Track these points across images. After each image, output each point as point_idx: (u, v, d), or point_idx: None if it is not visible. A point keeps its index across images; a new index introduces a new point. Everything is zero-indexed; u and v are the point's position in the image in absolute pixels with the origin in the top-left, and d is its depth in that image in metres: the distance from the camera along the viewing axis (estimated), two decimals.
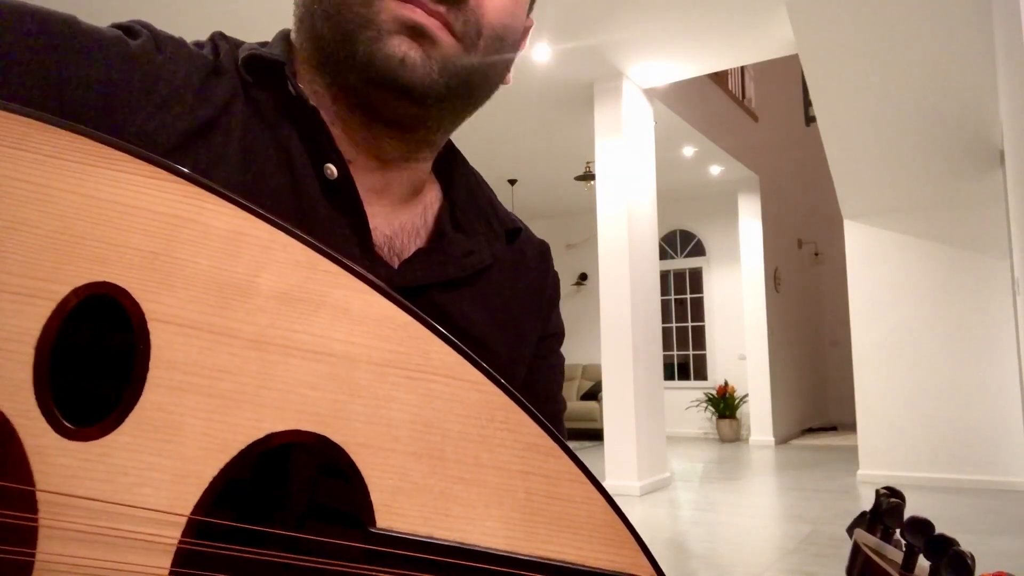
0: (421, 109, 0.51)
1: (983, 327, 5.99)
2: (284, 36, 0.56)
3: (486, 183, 0.65)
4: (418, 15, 0.48)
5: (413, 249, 0.56)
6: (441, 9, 0.49)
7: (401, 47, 0.48)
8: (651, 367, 5.95)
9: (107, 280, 0.35)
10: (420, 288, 0.54)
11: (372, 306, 0.38)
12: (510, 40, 0.54)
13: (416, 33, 0.48)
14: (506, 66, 0.56)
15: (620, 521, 0.40)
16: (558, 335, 0.69)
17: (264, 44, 0.55)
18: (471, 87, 0.53)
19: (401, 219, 0.57)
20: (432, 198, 0.61)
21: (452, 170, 0.62)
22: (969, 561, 0.37)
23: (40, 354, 0.34)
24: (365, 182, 0.54)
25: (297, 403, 0.37)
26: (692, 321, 10.34)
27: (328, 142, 0.51)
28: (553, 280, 0.69)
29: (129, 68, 0.46)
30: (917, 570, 0.42)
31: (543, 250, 0.69)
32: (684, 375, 10.35)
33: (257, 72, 0.51)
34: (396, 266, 0.55)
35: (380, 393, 0.38)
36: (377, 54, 0.48)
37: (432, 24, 0.49)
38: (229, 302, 0.36)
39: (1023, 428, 5.69)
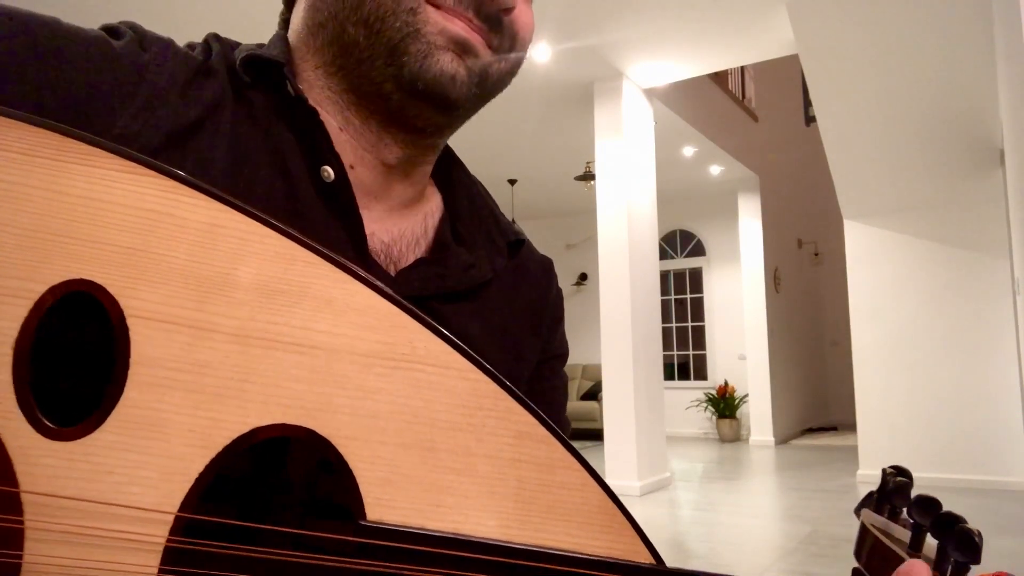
0: (450, 118, 0.53)
1: (983, 327, 5.99)
2: (282, 38, 0.55)
3: (487, 192, 0.64)
4: (464, 30, 0.50)
5: (411, 258, 0.56)
6: (484, 26, 0.51)
7: (452, 64, 0.49)
8: (651, 367, 5.95)
9: (84, 277, 0.35)
10: (417, 299, 0.53)
11: (355, 296, 0.38)
12: (528, 47, 0.57)
13: (462, 49, 0.50)
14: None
15: (616, 508, 0.40)
16: (560, 356, 0.67)
17: (261, 46, 0.54)
18: (494, 92, 0.55)
19: (400, 226, 0.56)
20: (433, 207, 0.60)
21: (452, 178, 0.62)
22: (976, 539, 0.37)
23: (19, 354, 0.34)
24: (364, 187, 0.54)
25: (282, 397, 0.36)
26: (692, 321, 10.35)
27: (326, 144, 0.50)
28: (555, 299, 0.67)
29: (111, 69, 0.45)
30: (925, 549, 0.41)
31: (546, 267, 0.68)
32: (684, 375, 10.36)
33: (255, 73, 0.51)
34: (392, 274, 0.54)
35: (366, 384, 0.37)
36: (429, 70, 0.49)
37: (476, 40, 0.50)
38: (208, 296, 0.36)
39: (1023, 428, 5.68)
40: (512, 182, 8.58)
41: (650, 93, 6.31)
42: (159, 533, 0.35)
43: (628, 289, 5.70)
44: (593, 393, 9.32)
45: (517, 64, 0.55)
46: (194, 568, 0.35)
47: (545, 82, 5.83)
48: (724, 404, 9.51)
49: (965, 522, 0.38)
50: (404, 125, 0.53)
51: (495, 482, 0.38)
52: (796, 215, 10.34)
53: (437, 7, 0.49)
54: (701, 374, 10.22)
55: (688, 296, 10.39)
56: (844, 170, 5.88)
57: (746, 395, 9.28)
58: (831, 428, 10.53)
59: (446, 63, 0.49)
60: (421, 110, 0.51)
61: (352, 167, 0.53)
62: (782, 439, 9.11)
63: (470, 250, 0.58)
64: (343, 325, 0.37)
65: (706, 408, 9.76)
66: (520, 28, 0.53)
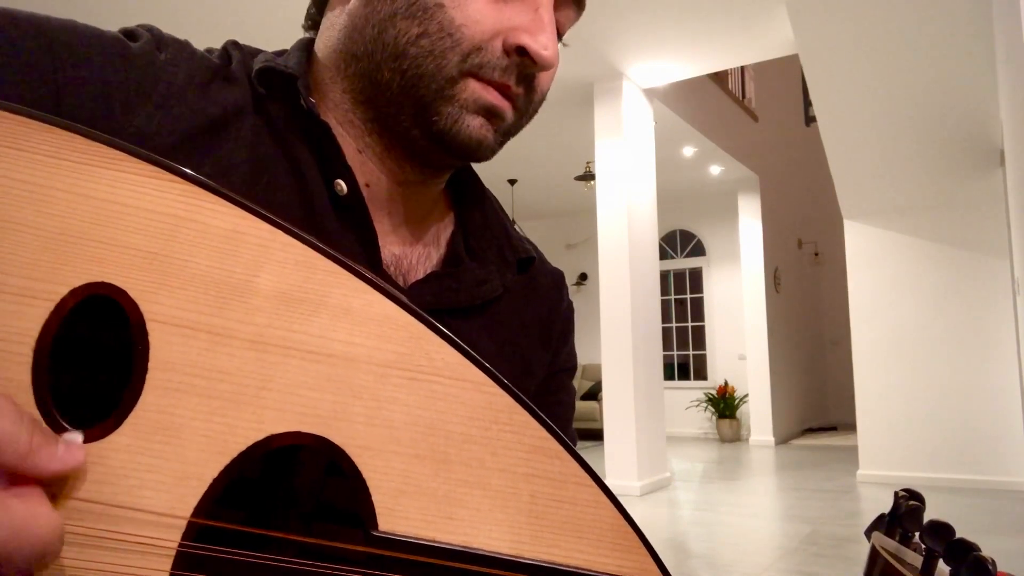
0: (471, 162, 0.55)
1: (983, 327, 6.00)
2: (304, 47, 0.55)
3: (502, 208, 0.65)
4: (497, 99, 0.50)
5: (421, 270, 0.56)
6: (520, 91, 0.51)
7: (481, 130, 0.50)
8: (651, 367, 5.95)
9: (105, 280, 0.35)
10: (429, 312, 0.54)
11: (373, 306, 0.38)
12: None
13: (491, 114, 0.50)
14: None
15: (628, 525, 0.40)
16: (569, 369, 0.68)
17: (281, 53, 0.55)
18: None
19: (411, 239, 0.57)
20: (445, 221, 0.60)
21: (467, 192, 0.62)
22: (990, 567, 0.37)
23: (39, 355, 0.34)
24: (377, 200, 0.54)
25: (297, 404, 0.36)
26: (692, 321, 10.35)
27: (339, 158, 0.51)
28: (566, 312, 0.67)
29: (127, 69, 0.45)
30: (936, 575, 0.41)
31: (557, 280, 0.68)
32: (684, 375, 10.36)
33: (270, 84, 0.51)
34: (403, 286, 0.54)
35: (382, 394, 0.37)
36: (459, 134, 0.49)
37: (506, 106, 0.51)
38: (228, 302, 0.36)
39: (1023, 428, 5.69)
40: (512, 182, 8.58)
41: (650, 93, 6.31)
42: (172, 538, 0.35)
43: (628, 289, 5.70)
44: (593, 393, 9.32)
45: (535, 112, 0.56)
46: (205, 573, 0.35)
47: None
48: (724, 404, 9.51)
49: (979, 550, 0.38)
50: (425, 163, 0.54)
51: (508, 496, 0.38)
52: (796, 215, 10.34)
53: (479, 79, 0.49)
54: (701, 374, 10.23)
55: (688, 296, 10.39)
56: (844, 170, 5.88)
57: (746, 395, 9.28)
58: (831, 428, 10.53)
59: (475, 129, 0.50)
60: (444, 158, 0.53)
61: (368, 185, 0.54)
62: (782, 439, 9.12)
63: (482, 265, 0.58)
64: (361, 335, 0.37)
65: (706, 408, 9.76)
66: (542, 81, 0.54)
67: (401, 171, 0.54)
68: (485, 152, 0.52)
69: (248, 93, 0.51)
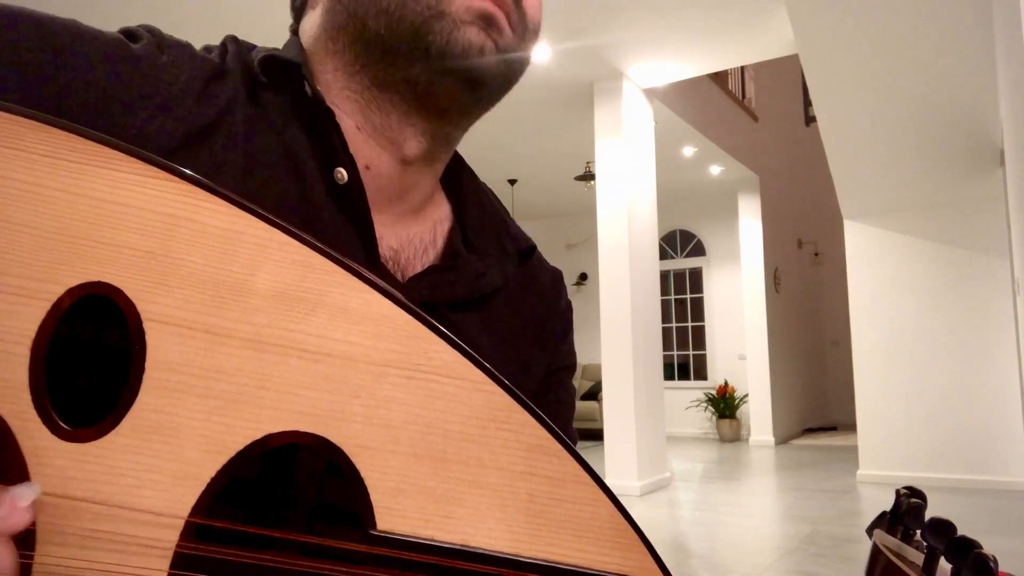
0: (476, 100, 0.53)
1: (983, 327, 6.00)
2: (297, 43, 0.56)
3: (496, 198, 0.64)
4: (489, 5, 0.49)
5: (419, 265, 0.56)
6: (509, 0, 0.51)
7: (479, 36, 0.49)
8: (651, 367, 5.95)
9: (102, 280, 0.35)
10: (427, 306, 0.53)
11: (371, 305, 0.38)
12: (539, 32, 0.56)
13: (488, 23, 0.50)
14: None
15: (627, 523, 0.40)
16: (568, 368, 0.67)
17: (276, 50, 0.55)
18: (515, 79, 0.55)
19: (409, 232, 0.56)
20: (442, 215, 0.60)
21: (461, 184, 0.61)
22: (992, 564, 0.37)
23: (36, 355, 0.34)
24: (377, 189, 0.54)
25: (295, 404, 0.36)
26: (692, 321, 10.35)
27: (342, 145, 0.50)
28: (564, 310, 0.67)
29: (128, 71, 0.45)
30: (938, 573, 0.41)
31: (556, 279, 0.68)
32: (684, 375, 10.36)
33: (273, 73, 0.51)
34: (401, 280, 0.54)
35: (379, 393, 0.37)
36: (458, 43, 0.48)
37: (500, 15, 0.50)
38: (225, 302, 0.36)
39: (1023, 428, 5.69)
40: (512, 182, 8.58)
41: (650, 93, 6.32)
42: (170, 537, 0.35)
43: (628, 289, 5.70)
44: (593, 393, 9.32)
45: (530, 51, 0.55)
46: (203, 573, 0.35)
47: (545, 82, 5.82)
48: (724, 404, 9.51)
49: (980, 547, 0.38)
50: (429, 108, 0.53)
51: (506, 495, 0.38)
52: (796, 215, 10.34)
53: None
54: (701, 374, 10.23)
55: (688, 296, 10.39)
56: (844, 170, 5.88)
57: (746, 395, 9.29)
58: (831, 428, 10.53)
59: (473, 35, 0.49)
60: (449, 86, 0.51)
61: (368, 167, 0.53)
62: (782, 439, 9.12)
63: (481, 258, 0.58)
64: (358, 334, 0.37)
65: (706, 408, 9.76)
66: (529, 7, 0.53)
67: (403, 139, 0.53)
68: (489, 63, 0.50)
69: (241, 84, 0.51)
